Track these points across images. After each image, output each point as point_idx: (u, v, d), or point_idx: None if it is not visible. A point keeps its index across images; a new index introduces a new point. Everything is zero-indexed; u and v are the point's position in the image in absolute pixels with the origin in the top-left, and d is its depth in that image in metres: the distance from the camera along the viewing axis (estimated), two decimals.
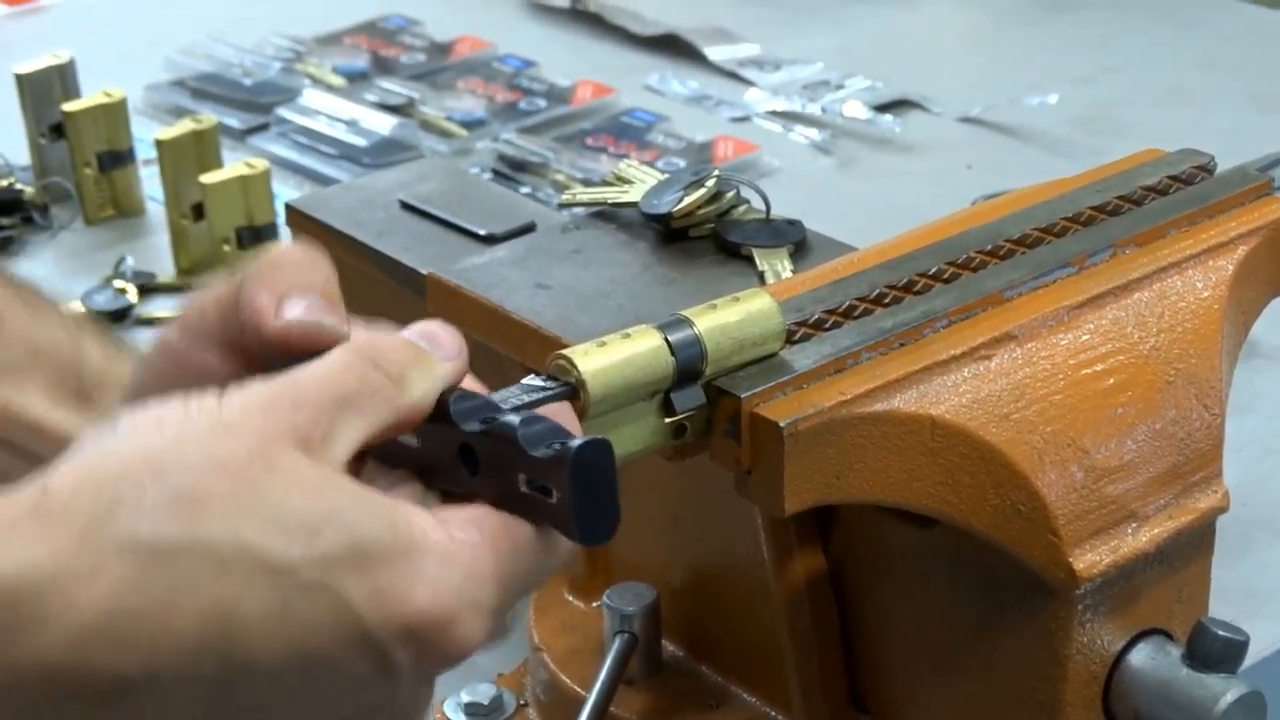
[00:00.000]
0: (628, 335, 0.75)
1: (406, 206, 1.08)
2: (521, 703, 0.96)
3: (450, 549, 0.60)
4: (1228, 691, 0.80)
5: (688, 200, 0.98)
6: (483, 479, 0.64)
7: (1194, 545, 0.85)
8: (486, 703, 0.96)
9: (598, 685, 0.90)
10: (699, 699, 0.93)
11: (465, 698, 0.96)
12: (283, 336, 0.66)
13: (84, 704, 0.56)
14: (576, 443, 0.62)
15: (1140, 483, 0.82)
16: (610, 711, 0.90)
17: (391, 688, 0.59)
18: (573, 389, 0.74)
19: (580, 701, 0.90)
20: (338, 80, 1.77)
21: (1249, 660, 0.83)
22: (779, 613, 0.88)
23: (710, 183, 0.99)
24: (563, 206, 1.07)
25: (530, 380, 0.74)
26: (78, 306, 1.38)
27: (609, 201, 1.01)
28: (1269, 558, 1.07)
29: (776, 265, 0.95)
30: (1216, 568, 0.87)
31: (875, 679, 0.90)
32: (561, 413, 0.67)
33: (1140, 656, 0.83)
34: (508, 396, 0.72)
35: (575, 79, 1.76)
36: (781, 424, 0.75)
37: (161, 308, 1.40)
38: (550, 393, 0.72)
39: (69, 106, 1.51)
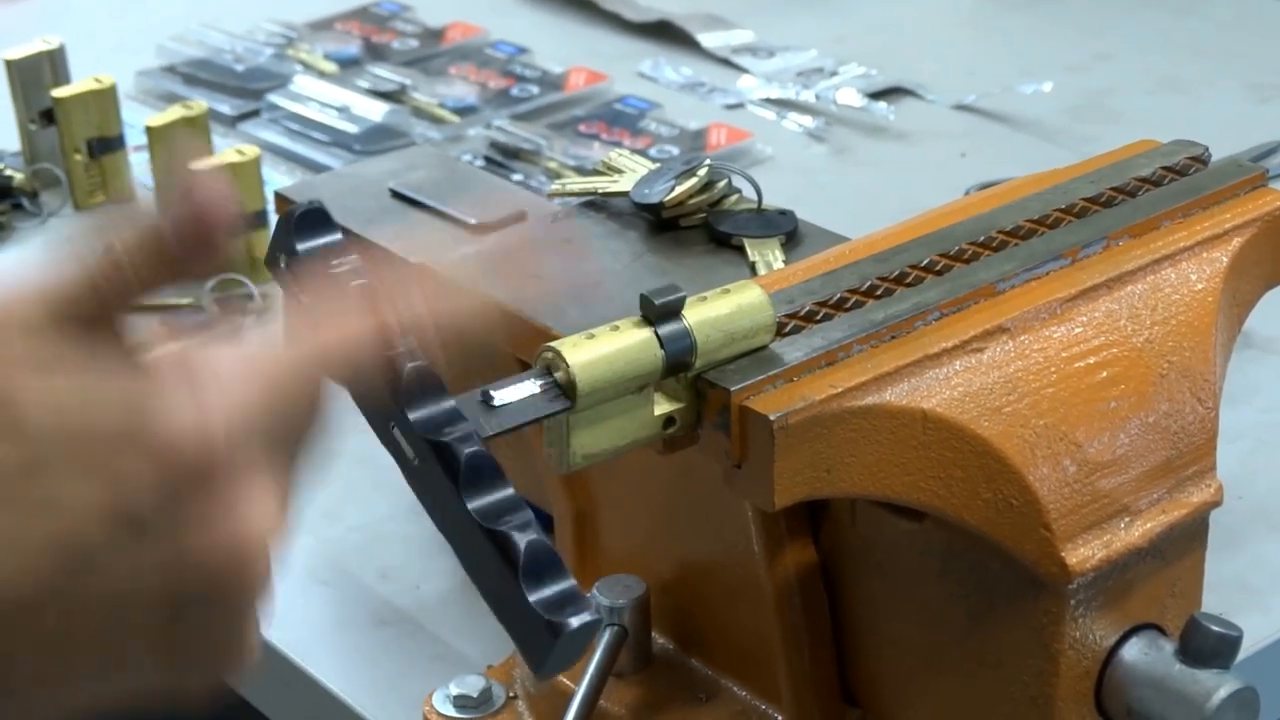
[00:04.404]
0: (616, 328, 0.75)
1: (397, 195, 1.08)
2: (511, 695, 0.96)
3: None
4: (1221, 687, 0.79)
5: (679, 190, 0.97)
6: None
7: (1187, 539, 0.84)
8: (475, 695, 0.95)
9: (587, 678, 0.89)
10: (689, 692, 0.93)
11: (454, 690, 0.95)
12: None
13: None
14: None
15: (1133, 477, 0.81)
16: (600, 704, 0.90)
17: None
18: (562, 384, 0.73)
19: (569, 694, 0.89)
20: (329, 66, 1.77)
21: (1242, 654, 0.82)
22: (769, 606, 0.87)
23: (701, 172, 0.98)
24: (553, 196, 1.07)
25: (525, 379, 0.74)
26: None
27: (599, 191, 1.01)
28: (1263, 551, 1.06)
29: (768, 255, 0.95)
30: (1210, 561, 0.86)
31: (866, 673, 0.89)
32: None
33: (1133, 652, 0.82)
34: (505, 401, 0.72)
35: (568, 65, 1.76)
36: (771, 417, 0.75)
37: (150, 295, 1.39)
38: (545, 413, 0.73)
39: (59, 92, 1.50)
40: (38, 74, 1.54)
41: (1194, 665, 0.80)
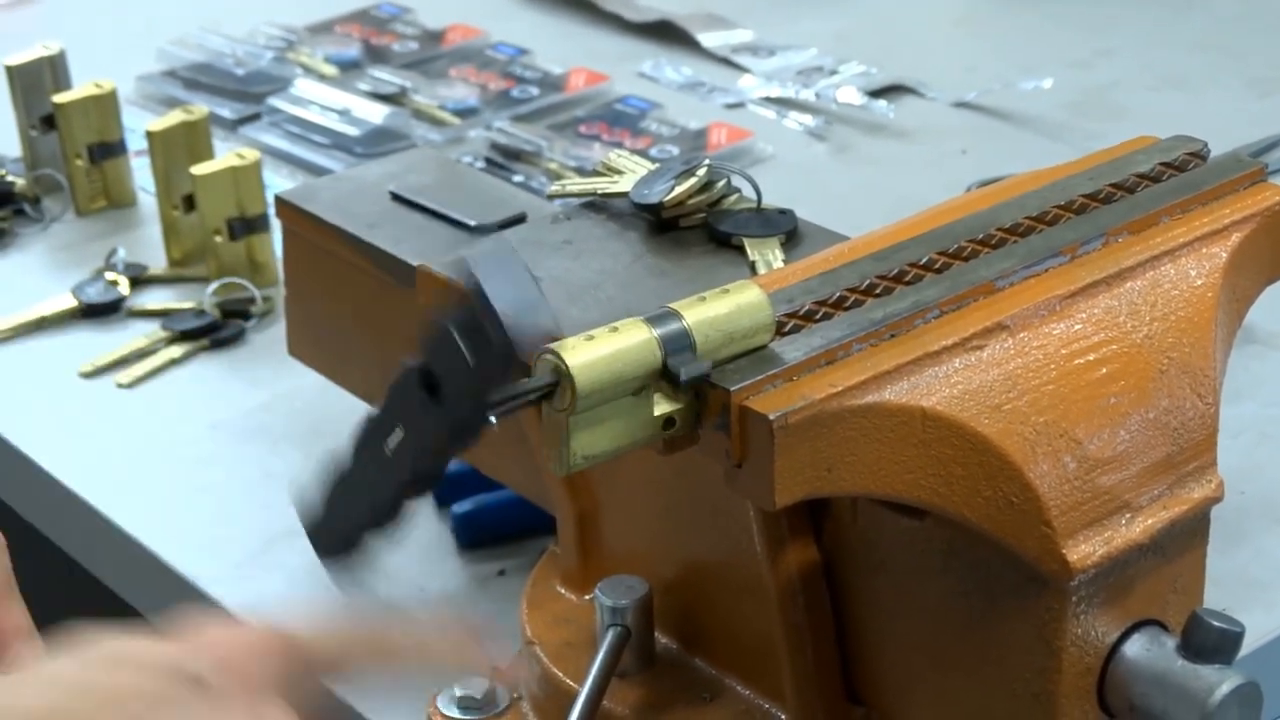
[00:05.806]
0: (616, 329, 0.75)
1: (397, 198, 1.08)
2: (515, 696, 0.96)
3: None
4: (1223, 683, 0.79)
5: (678, 190, 0.97)
6: None
7: (1188, 535, 0.84)
8: (480, 696, 0.95)
9: (590, 679, 0.89)
10: (692, 692, 0.93)
11: (458, 691, 0.95)
12: None
13: None
14: None
15: (1134, 473, 0.81)
16: (603, 705, 0.90)
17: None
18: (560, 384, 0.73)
19: (573, 695, 0.89)
20: (330, 69, 1.77)
21: (1246, 649, 0.82)
22: (772, 605, 0.87)
23: (701, 172, 0.98)
24: (552, 197, 1.07)
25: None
26: (69, 299, 1.38)
27: (599, 192, 1.01)
28: (1266, 546, 1.06)
29: (768, 255, 0.95)
30: (1212, 556, 0.86)
31: (869, 671, 0.89)
32: None
33: (1135, 648, 0.82)
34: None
35: (568, 66, 1.76)
36: (771, 417, 0.75)
37: (153, 300, 1.40)
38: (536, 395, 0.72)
39: (60, 98, 1.51)
40: (38, 79, 1.54)
41: (1196, 661, 0.80)
